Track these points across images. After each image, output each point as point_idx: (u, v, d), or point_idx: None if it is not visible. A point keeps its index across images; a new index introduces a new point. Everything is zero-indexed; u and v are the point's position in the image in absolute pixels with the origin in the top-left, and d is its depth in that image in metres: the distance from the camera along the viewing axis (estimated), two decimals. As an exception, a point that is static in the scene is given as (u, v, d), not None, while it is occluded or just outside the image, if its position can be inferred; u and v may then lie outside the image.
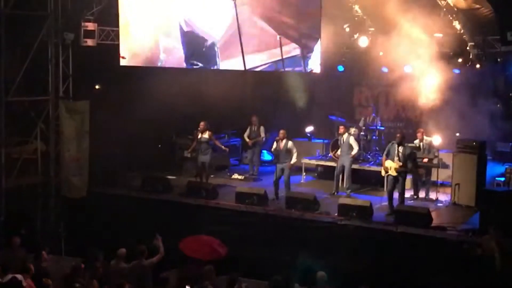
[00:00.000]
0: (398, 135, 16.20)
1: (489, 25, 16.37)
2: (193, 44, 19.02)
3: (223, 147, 18.49)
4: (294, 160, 17.06)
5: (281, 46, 17.95)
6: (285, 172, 17.08)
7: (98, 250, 12.24)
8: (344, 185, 17.62)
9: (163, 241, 12.70)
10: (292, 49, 17.99)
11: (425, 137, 17.42)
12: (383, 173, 16.19)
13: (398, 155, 15.76)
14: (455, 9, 17.14)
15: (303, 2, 17.70)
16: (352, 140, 17.39)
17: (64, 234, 17.43)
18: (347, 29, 18.89)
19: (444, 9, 17.29)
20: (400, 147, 15.80)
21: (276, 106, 21.29)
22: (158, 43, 19.22)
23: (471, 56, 17.72)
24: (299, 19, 17.78)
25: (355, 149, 17.37)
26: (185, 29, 18.91)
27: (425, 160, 17.19)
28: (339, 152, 17.87)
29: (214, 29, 18.80)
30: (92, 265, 11.69)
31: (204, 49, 18.91)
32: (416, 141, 17.45)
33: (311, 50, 17.75)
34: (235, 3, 18.08)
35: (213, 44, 18.80)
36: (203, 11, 18.82)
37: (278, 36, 17.88)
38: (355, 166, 18.06)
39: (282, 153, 17.02)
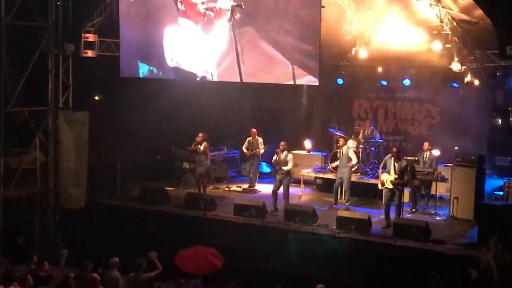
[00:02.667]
0: (394, 149, 16.23)
1: (489, 39, 16.41)
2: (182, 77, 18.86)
3: (208, 162, 18.47)
4: (289, 166, 17.03)
5: (294, 79, 17.14)
6: (284, 183, 17.09)
7: (88, 260, 12.30)
8: (343, 198, 17.62)
9: (160, 252, 12.69)
10: (310, 82, 17.34)
11: (430, 151, 17.36)
12: (379, 186, 16.20)
13: (394, 169, 15.79)
14: (455, 23, 17.21)
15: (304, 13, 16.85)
16: (351, 153, 17.41)
17: (61, 245, 17.40)
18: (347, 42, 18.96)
19: (444, 23, 17.34)
20: (396, 161, 15.82)
21: (275, 119, 21.32)
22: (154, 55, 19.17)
23: (470, 70, 17.76)
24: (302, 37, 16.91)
25: (354, 161, 17.38)
26: (171, 64, 18.71)
27: (425, 172, 17.14)
28: (336, 163, 17.86)
29: (204, 63, 18.27)
30: (83, 276, 11.74)
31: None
32: (425, 153, 17.36)
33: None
34: (232, 24, 17.42)
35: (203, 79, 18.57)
36: (190, 44, 18.27)
37: (290, 66, 17.04)
38: (353, 179, 18.07)
39: (281, 165, 17.04)
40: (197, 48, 18.27)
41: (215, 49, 17.97)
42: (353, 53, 18.27)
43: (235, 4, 17.19)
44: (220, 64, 18.01)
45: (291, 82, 17.30)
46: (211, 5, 17.64)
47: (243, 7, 17.05)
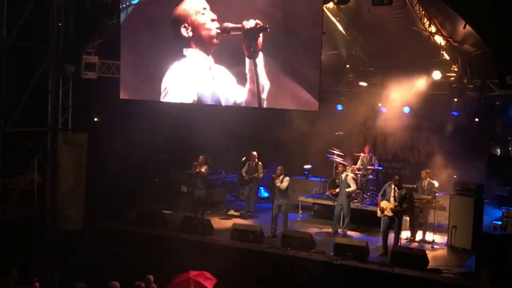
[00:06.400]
0: (396, 177, 16.18)
1: (488, 69, 16.46)
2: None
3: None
4: (284, 186, 16.94)
5: (303, 106, 16.72)
6: (282, 209, 17.04)
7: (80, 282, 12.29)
8: (342, 224, 17.54)
9: (157, 276, 12.64)
10: (310, 108, 16.77)
11: (429, 179, 17.33)
12: (378, 213, 16.16)
13: (394, 196, 15.78)
14: (455, 51, 17.28)
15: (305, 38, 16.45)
16: (349, 179, 17.39)
17: (57, 267, 17.31)
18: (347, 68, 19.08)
19: (444, 52, 17.43)
20: (396, 189, 15.81)
21: (275, 143, 21.31)
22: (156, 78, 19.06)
23: (469, 99, 17.81)
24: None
25: (352, 187, 17.35)
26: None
27: (423, 200, 17.07)
28: (337, 190, 17.82)
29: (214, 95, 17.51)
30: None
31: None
32: (423, 182, 17.30)
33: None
34: (255, 61, 16.56)
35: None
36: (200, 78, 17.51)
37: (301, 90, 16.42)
38: (351, 206, 18.01)
39: (279, 190, 16.99)
40: (208, 82, 17.45)
41: (231, 79, 17.22)
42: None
43: (259, 26, 16.30)
44: (236, 94, 17.21)
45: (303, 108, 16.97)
46: (230, 25, 16.72)
47: (268, 30, 16.23)
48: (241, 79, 16.91)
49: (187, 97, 17.80)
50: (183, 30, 17.32)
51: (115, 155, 18.80)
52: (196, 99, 17.67)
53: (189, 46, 17.44)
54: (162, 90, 18.05)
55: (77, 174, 18.05)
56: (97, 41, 18.74)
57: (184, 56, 17.60)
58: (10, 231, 16.98)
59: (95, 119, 20.76)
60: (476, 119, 18.62)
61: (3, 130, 17.10)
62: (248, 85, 16.85)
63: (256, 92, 16.73)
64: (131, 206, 18.65)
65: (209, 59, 17.25)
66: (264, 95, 16.71)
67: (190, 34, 17.28)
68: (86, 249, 17.05)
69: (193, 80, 17.57)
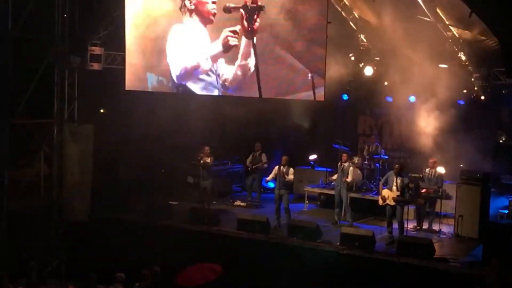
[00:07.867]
0: (396, 165, 16.18)
1: (494, 57, 16.41)
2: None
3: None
4: (290, 178, 17.02)
5: (313, 88, 16.68)
6: (284, 198, 17.01)
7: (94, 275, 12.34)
8: (343, 215, 17.51)
9: (163, 267, 12.69)
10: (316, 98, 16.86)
11: (436, 168, 17.28)
12: (380, 202, 16.15)
13: (396, 185, 15.78)
14: (461, 40, 17.22)
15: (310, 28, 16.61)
16: (350, 169, 17.34)
17: (65, 258, 17.37)
18: (352, 58, 19.01)
19: (450, 40, 17.37)
20: (398, 177, 15.81)
21: (280, 133, 21.29)
22: (162, 67, 19.08)
23: (476, 88, 17.77)
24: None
25: (349, 178, 17.28)
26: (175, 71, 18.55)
27: (430, 190, 17.04)
28: (334, 177, 17.78)
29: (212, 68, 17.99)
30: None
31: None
32: (427, 170, 17.30)
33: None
34: (251, 40, 16.99)
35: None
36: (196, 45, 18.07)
37: (309, 75, 16.68)
38: (357, 196, 18.01)
39: (282, 180, 16.97)
40: (201, 51, 17.99)
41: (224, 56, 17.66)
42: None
43: (256, 6, 16.69)
44: (233, 73, 17.64)
45: (311, 94, 16.82)
46: (232, 5, 17.13)
47: (264, 9, 16.62)
48: (234, 56, 17.39)
49: (188, 60, 18.27)
50: (187, 2, 17.91)
51: (121, 147, 18.84)
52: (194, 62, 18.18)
53: (188, 16, 17.97)
54: (167, 51, 18.48)
55: (83, 166, 18.09)
56: (102, 32, 18.71)
57: (181, 23, 18.08)
58: (17, 223, 17.04)
59: (101, 111, 20.78)
60: (482, 108, 18.56)
61: (9, 122, 17.11)
62: (238, 61, 17.32)
63: (248, 69, 17.22)
64: (137, 197, 18.65)
65: (204, 30, 17.79)
66: (252, 68, 17.12)
67: (192, 7, 17.88)
68: (92, 240, 17.11)
69: (191, 44, 18.14)
